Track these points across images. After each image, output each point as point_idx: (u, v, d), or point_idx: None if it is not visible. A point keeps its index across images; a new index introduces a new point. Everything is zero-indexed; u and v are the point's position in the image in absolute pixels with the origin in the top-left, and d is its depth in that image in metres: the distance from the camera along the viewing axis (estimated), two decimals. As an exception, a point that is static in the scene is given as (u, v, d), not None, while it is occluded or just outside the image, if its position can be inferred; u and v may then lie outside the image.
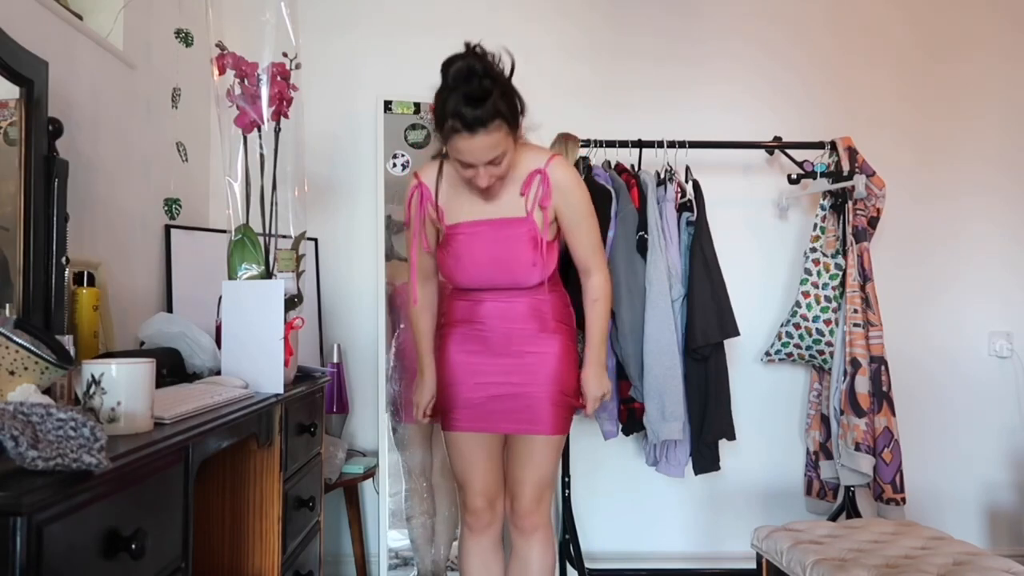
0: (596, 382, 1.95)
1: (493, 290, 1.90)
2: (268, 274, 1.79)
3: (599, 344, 1.97)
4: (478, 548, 1.99)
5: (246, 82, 1.80)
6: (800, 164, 2.78)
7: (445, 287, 2.04)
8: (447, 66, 1.67)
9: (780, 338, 2.79)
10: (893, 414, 2.61)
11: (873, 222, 2.74)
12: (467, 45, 1.69)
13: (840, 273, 2.70)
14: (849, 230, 2.68)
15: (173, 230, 2.42)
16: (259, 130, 1.80)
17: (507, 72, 1.72)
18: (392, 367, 2.68)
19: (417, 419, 2.03)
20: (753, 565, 2.15)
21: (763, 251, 3.00)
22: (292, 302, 1.79)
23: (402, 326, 2.70)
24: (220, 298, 1.73)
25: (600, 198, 2.51)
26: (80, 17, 1.98)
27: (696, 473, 2.63)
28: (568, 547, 2.68)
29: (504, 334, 1.89)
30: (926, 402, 3.00)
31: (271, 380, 1.66)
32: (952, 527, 2.82)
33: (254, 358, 1.67)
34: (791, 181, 2.80)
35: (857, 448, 2.54)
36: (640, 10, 3.02)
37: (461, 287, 1.92)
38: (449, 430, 1.95)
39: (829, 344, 2.70)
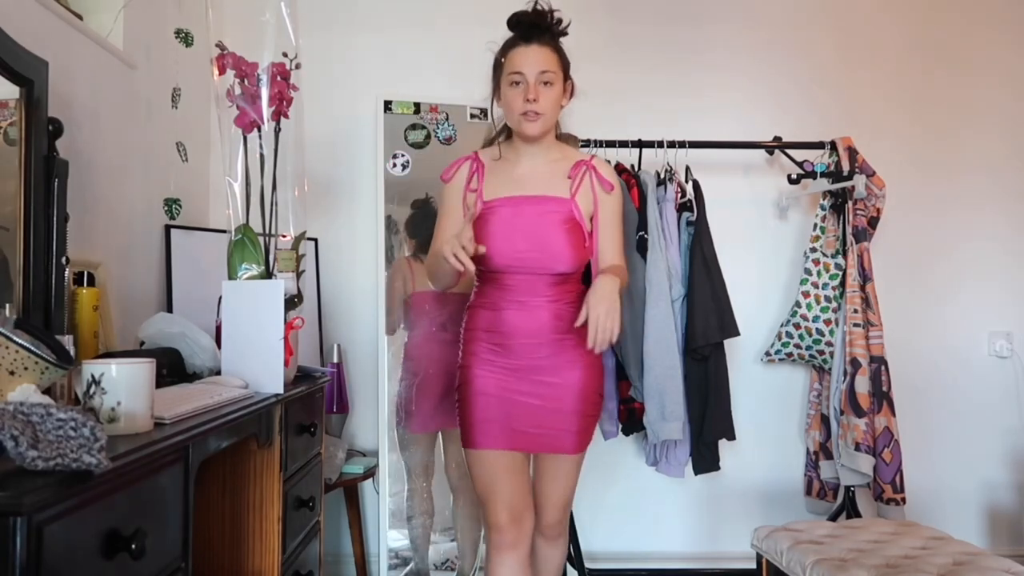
0: (606, 297, 1.67)
1: (518, 287, 1.82)
2: (268, 274, 1.78)
3: (621, 279, 1.79)
4: (506, 571, 1.82)
5: (246, 82, 1.79)
6: (800, 164, 2.78)
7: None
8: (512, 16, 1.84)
9: (780, 338, 2.79)
10: (893, 414, 2.61)
11: (873, 222, 2.74)
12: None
13: (840, 273, 2.70)
14: (849, 230, 2.68)
15: (173, 230, 2.42)
16: (259, 130, 1.80)
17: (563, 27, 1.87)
18: (402, 370, 2.67)
19: (466, 256, 1.66)
20: (753, 565, 2.15)
21: (763, 251, 3.00)
22: (292, 302, 1.78)
23: (401, 326, 2.70)
24: (220, 298, 1.73)
25: (600, 198, 2.51)
26: (80, 17, 1.98)
27: (696, 473, 2.63)
28: (568, 547, 2.68)
29: (528, 345, 1.83)
30: (926, 402, 3.00)
31: (271, 380, 1.66)
32: (952, 527, 2.81)
33: (254, 358, 1.67)
34: (791, 181, 2.80)
35: (857, 448, 2.54)
36: (641, 9, 3.02)
37: (490, 265, 1.84)
38: (471, 448, 1.84)
39: (829, 344, 2.70)
